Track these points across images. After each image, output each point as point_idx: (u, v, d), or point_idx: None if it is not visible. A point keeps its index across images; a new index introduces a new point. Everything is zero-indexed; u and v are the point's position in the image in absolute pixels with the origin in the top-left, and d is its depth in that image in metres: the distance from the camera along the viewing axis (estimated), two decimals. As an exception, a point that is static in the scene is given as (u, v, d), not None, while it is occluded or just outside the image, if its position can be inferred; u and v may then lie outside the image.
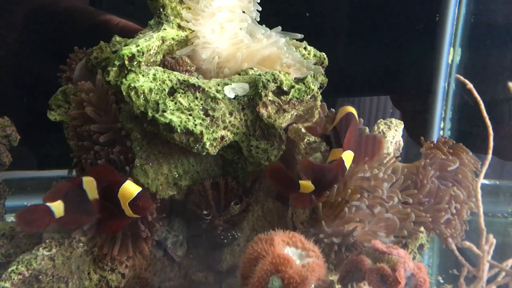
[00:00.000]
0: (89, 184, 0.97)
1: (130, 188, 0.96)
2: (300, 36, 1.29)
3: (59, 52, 1.52)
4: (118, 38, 1.29)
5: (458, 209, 1.10)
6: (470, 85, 0.66)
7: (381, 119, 1.24)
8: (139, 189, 0.96)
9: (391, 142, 1.21)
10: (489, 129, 0.63)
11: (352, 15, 1.85)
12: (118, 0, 1.84)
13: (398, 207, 1.06)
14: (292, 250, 0.79)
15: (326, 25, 1.87)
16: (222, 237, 1.11)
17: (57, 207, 0.97)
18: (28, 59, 1.74)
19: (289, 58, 1.19)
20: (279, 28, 1.26)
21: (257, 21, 1.26)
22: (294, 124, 1.22)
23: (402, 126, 1.24)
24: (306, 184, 0.98)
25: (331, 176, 1.00)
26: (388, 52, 1.88)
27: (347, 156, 1.01)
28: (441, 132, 1.90)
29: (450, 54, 1.84)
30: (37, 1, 1.68)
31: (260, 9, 1.25)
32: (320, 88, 1.37)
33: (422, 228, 1.14)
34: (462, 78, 0.69)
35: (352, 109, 1.10)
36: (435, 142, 1.20)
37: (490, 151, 0.65)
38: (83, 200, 0.97)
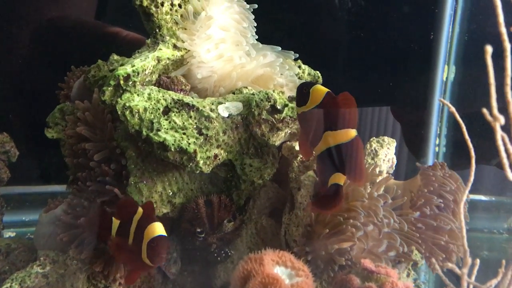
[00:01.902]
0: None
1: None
2: (294, 55, 1.31)
3: (68, 66, 1.54)
4: (116, 57, 1.31)
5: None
6: (452, 108, 0.68)
7: (374, 137, 1.25)
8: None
9: (384, 160, 1.22)
10: (471, 151, 0.64)
11: (351, 33, 1.88)
12: (122, 13, 1.86)
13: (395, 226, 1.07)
14: (282, 269, 0.80)
15: (327, 43, 1.90)
16: (215, 254, 1.12)
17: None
18: (36, 74, 1.76)
19: (282, 78, 1.22)
20: (279, 48, 1.28)
21: (254, 38, 1.28)
22: (288, 142, 1.24)
23: (395, 144, 1.25)
24: None
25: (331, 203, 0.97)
26: (385, 69, 1.90)
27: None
28: (437, 149, 1.91)
29: (445, 72, 1.86)
30: (46, 15, 1.71)
31: (255, 24, 1.27)
32: (314, 106, 1.39)
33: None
34: (444, 101, 0.70)
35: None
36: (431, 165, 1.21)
37: (473, 173, 0.66)
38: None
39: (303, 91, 1.03)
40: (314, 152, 1.03)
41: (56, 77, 1.69)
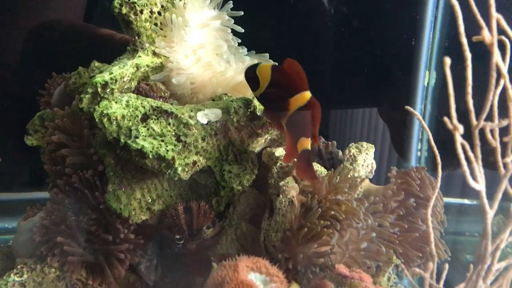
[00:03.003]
0: None
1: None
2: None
3: (60, 71, 1.53)
4: (96, 63, 1.31)
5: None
6: (419, 117, 0.69)
7: (353, 143, 1.26)
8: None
9: (362, 165, 1.23)
10: (437, 158, 0.65)
11: (334, 39, 1.90)
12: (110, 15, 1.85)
13: (372, 233, 1.08)
14: (256, 275, 0.81)
15: (311, 49, 1.92)
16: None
17: None
18: (27, 79, 1.74)
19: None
20: (267, 55, 1.29)
21: (236, 43, 1.29)
22: (268, 148, 1.24)
23: (373, 149, 1.26)
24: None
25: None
26: (368, 75, 1.93)
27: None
28: (419, 153, 1.93)
29: (426, 77, 1.89)
30: (37, 19, 1.70)
31: (241, 29, 1.28)
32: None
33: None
34: (411, 109, 0.72)
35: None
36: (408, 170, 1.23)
37: (439, 179, 0.68)
38: None
39: (251, 76, 1.08)
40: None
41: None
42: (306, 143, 1.01)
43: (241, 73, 1.22)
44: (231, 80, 1.23)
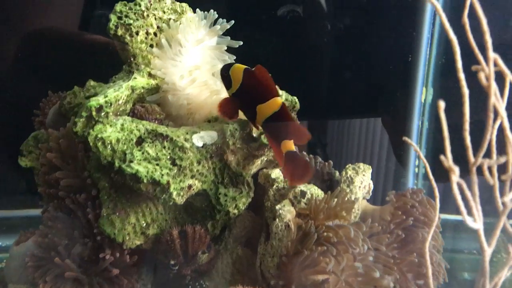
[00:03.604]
0: None
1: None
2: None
3: (55, 81, 1.52)
4: (92, 83, 1.30)
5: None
6: (408, 140, 0.68)
7: (349, 164, 1.25)
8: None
9: (359, 187, 1.22)
10: (435, 190, 0.64)
11: (331, 56, 1.90)
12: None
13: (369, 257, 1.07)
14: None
15: (313, 63, 1.92)
16: (190, 286, 1.10)
17: None
18: (19, 89, 1.72)
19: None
20: None
21: (234, 61, 1.28)
22: (264, 169, 1.23)
23: (370, 170, 1.25)
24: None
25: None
26: (365, 89, 1.93)
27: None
28: (416, 170, 1.92)
29: (423, 94, 1.89)
30: (29, 27, 1.68)
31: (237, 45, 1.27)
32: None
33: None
34: (407, 139, 0.71)
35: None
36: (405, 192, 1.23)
37: (437, 215, 0.67)
38: None
39: (225, 75, 1.12)
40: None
41: (42, 94, 1.66)
42: (289, 145, 1.04)
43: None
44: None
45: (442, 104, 0.52)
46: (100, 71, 1.54)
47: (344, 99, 1.95)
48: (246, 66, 1.09)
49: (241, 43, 1.27)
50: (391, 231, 1.18)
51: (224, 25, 1.24)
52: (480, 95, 0.65)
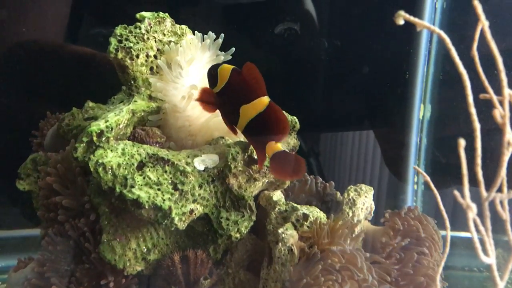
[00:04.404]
0: None
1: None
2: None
3: (41, 96, 1.49)
4: (91, 104, 1.30)
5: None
6: (418, 169, 0.68)
7: (351, 186, 1.25)
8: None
9: (362, 209, 1.21)
10: (442, 211, 0.64)
11: (329, 73, 1.91)
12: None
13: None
14: None
15: (310, 80, 1.92)
16: (192, 313, 1.09)
17: None
18: (7, 101, 1.69)
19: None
20: None
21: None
22: (266, 191, 1.22)
23: (372, 192, 1.25)
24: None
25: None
26: (363, 106, 1.94)
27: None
28: (415, 186, 1.92)
29: (421, 111, 1.89)
30: (13, 40, 1.65)
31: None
32: (292, 151, 1.38)
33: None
34: (417, 168, 0.71)
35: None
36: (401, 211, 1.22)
37: (448, 241, 0.66)
38: None
39: (212, 73, 1.08)
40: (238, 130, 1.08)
41: (29, 109, 1.63)
42: (275, 146, 1.01)
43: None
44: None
45: (462, 143, 0.51)
46: (87, 84, 1.52)
47: (342, 117, 1.95)
48: (234, 67, 1.05)
49: (234, 49, 1.25)
50: (389, 253, 1.17)
51: (218, 41, 1.23)
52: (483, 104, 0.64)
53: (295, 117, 1.38)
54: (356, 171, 2.26)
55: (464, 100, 0.67)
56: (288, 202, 1.18)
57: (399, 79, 1.89)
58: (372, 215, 1.30)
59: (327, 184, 1.33)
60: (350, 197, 1.21)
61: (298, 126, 1.37)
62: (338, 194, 1.31)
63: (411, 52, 1.88)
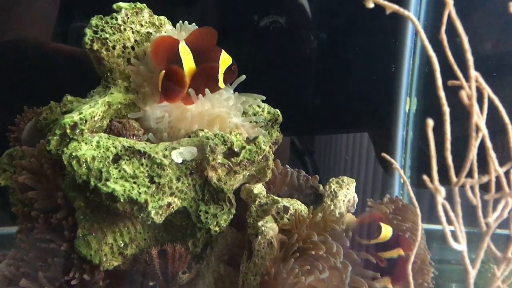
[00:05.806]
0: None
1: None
2: (262, 97, 1.28)
3: (29, 97, 1.47)
4: (69, 97, 1.27)
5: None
6: (386, 156, 0.67)
7: (333, 178, 1.23)
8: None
9: (343, 201, 1.20)
10: (417, 210, 0.62)
11: (315, 67, 1.89)
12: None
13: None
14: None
15: (295, 75, 1.91)
16: (170, 308, 1.07)
17: None
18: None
19: (237, 118, 1.19)
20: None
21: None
22: (247, 185, 1.21)
23: (354, 184, 1.23)
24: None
25: None
26: (349, 99, 1.93)
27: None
28: (402, 180, 1.91)
29: (407, 104, 1.88)
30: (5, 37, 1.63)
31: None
32: (275, 144, 1.37)
33: None
34: (389, 158, 0.70)
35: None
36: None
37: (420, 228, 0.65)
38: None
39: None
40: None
41: (14, 111, 1.61)
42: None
43: (217, 108, 1.19)
44: (205, 114, 1.19)
45: (430, 123, 0.50)
46: (76, 83, 1.50)
47: (327, 110, 1.93)
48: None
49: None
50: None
51: (190, 26, 1.21)
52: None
53: (277, 110, 1.37)
54: (350, 168, 2.27)
55: (450, 93, 0.66)
56: (269, 195, 1.16)
57: (385, 72, 1.87)
58: (355, 207, 1.29)
59: (311, 177, 1.31)
60: (332, 189, 1.19)
61: (280, 118, 1.36)
62: (321, 186, 1.29)
63: (397, 45, 1.87)
